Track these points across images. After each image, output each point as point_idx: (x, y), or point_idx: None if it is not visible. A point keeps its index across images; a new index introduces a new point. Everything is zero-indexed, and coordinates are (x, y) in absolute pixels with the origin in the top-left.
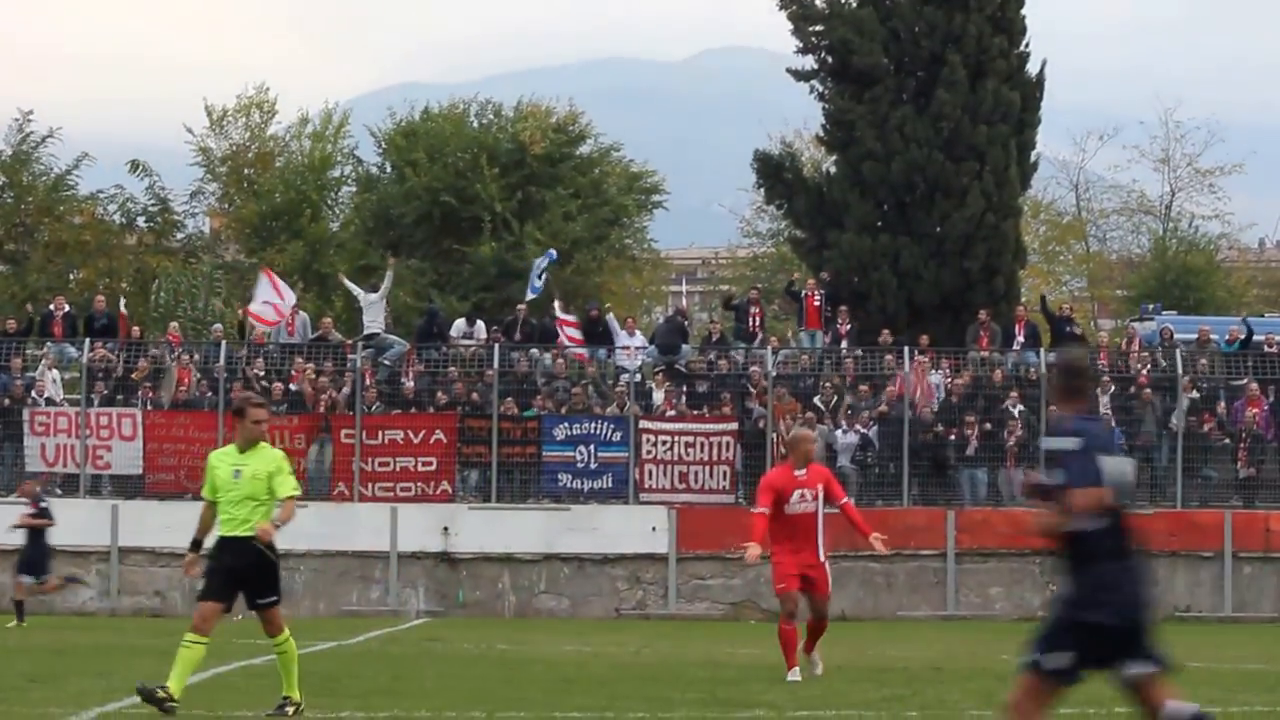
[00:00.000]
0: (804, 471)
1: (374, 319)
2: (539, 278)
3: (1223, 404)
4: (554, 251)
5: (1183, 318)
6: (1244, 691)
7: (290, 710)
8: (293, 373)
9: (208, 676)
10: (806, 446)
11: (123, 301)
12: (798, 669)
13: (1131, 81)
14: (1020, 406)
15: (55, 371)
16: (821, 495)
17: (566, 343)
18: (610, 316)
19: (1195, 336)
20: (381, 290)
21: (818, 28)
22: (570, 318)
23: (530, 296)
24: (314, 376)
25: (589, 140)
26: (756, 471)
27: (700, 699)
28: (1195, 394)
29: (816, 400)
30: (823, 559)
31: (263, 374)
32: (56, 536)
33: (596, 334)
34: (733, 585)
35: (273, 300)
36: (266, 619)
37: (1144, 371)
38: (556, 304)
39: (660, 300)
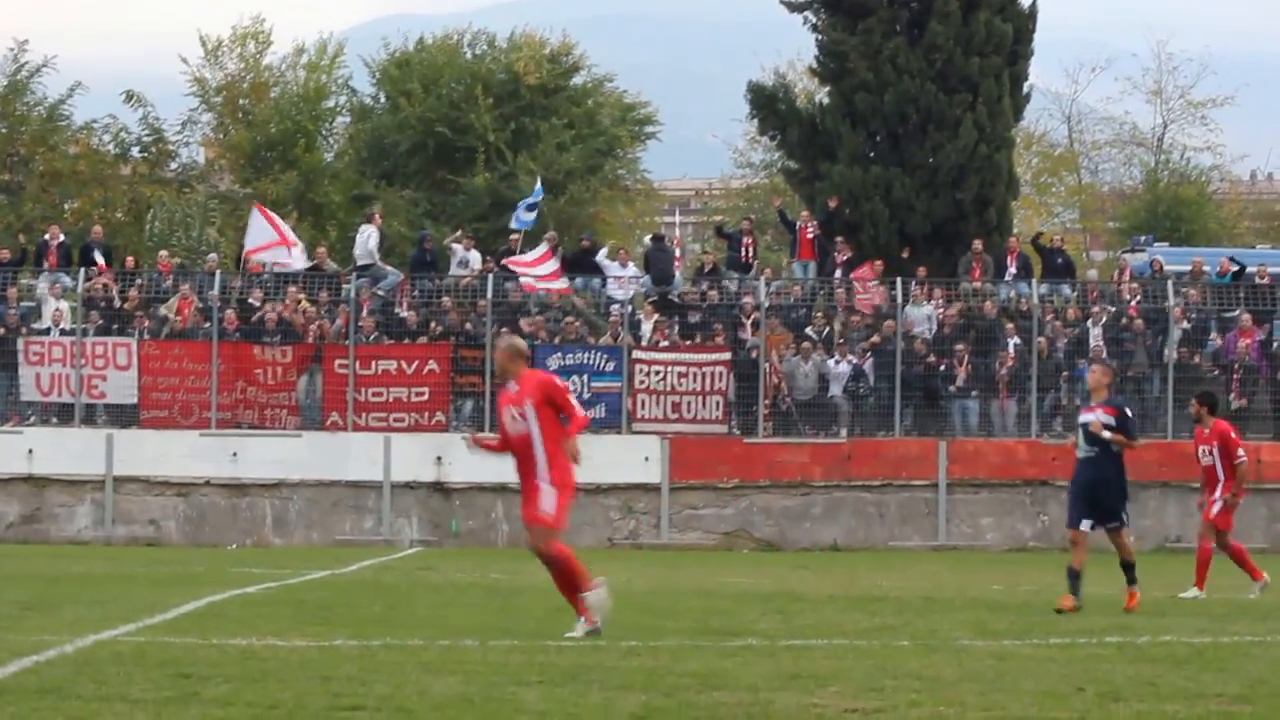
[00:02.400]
0: (515, 386)
1: (369, 250)
2: (529, 210)
3: (1215, 335)
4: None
5: (1174, 249)
6: (1235, 621)
7: None
8: (284, 302)
9: (201, 605)
10: (499, 356)
11: (98, 255)
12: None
13: (1124, 13)
14: (1015, 339)
15: (64, 302)
16: (533, 411)
17: (533, 281)
18: (602, 254)
19: (1187, 268)
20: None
21: None
22: (527, 258)
23: (515, 228)
24: (307, 307)
25: (583, 71)
26: (749, 401)
27: (692, 628)
28: (1186, 324)
29: (809, 330)
30: (542, 482)
31: (259, 304)
32: (52, 466)
33: (588, 265)
34: (725, 515)
35: (271, 240)
36: None
37: (1133, 303)
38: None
39: (654, 231)
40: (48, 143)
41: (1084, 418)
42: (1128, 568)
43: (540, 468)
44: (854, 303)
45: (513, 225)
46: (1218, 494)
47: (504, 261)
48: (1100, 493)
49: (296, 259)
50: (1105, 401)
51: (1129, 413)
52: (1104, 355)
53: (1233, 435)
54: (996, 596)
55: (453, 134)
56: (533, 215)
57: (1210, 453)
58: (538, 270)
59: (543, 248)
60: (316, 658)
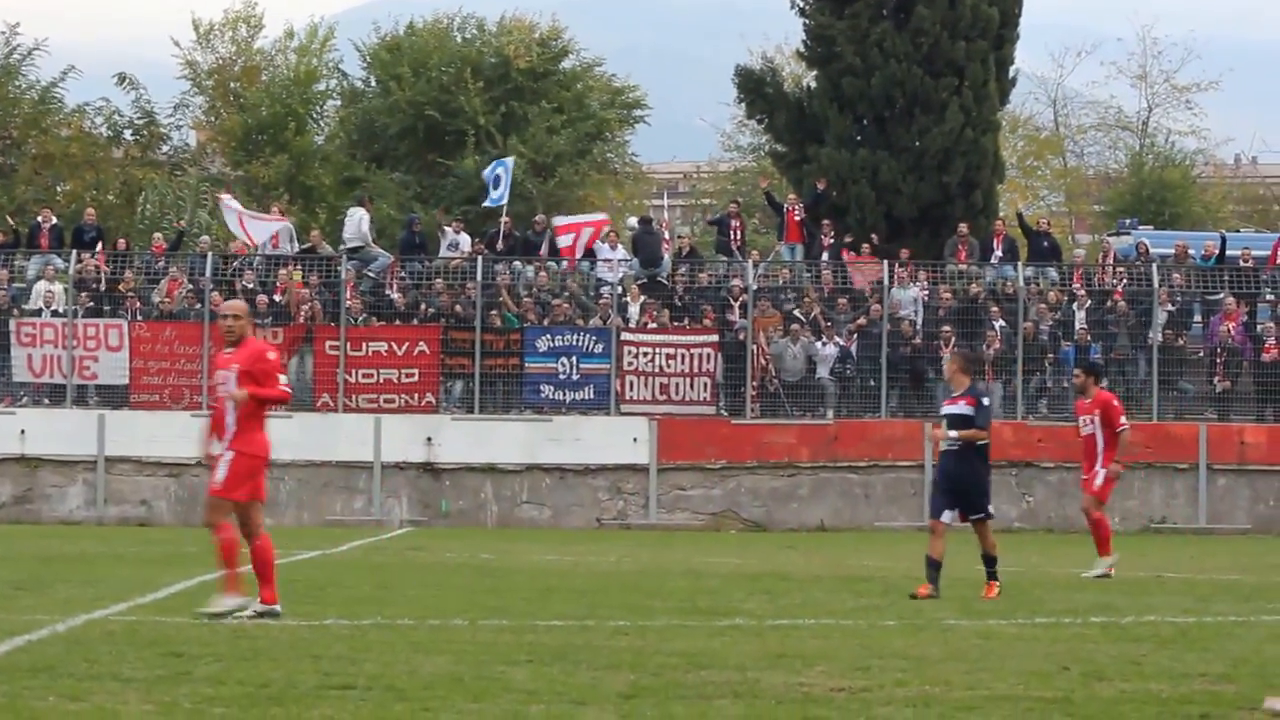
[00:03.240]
0: (231, 350)
1: (361, 232)
2: (495, 186)
3: (1199, 318)
4: (508, 161)
5: (1159, 232)
6: (1218, 601)
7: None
8: (277, 284)
9: (193, 584)
10: (227, 322)
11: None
12: (234, 596)
13: None
14: (1001, 321)
15: (58, 285)
16: (234, 377)
17: (562, 244)
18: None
19: (1171, 251)
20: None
21: None
22: (567, 224)
23: (493, 204)
24: (298, 282)
25: (572, 55)
26: (737, 383)
27: (680, 608)
28: (1170, 307)
29: (796, 312)
30: (225, 450)
31: (251, 285)
32: (45, 446)
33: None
34: (713, 496)
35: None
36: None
37: (1119, 286)
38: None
39: (642, 214)
40: (40, 126)
41: (946, 409)
42: (989, 560)
43: (228, 434)
44: (850, 281)
45: (491, 203)
46: (1099, 465)
47: (555, 223)
48: (965, 485)
49: (262, 233)
50: (966, 391)
51: (986, 402)
52: (954, 344)
53: (1115, 404)
54: (982, 576)
55: (443, 117)
56: (497, 192)
57: (1092, 422)
58: (579, 234)
59: (598, 217)
60: (307, 637)
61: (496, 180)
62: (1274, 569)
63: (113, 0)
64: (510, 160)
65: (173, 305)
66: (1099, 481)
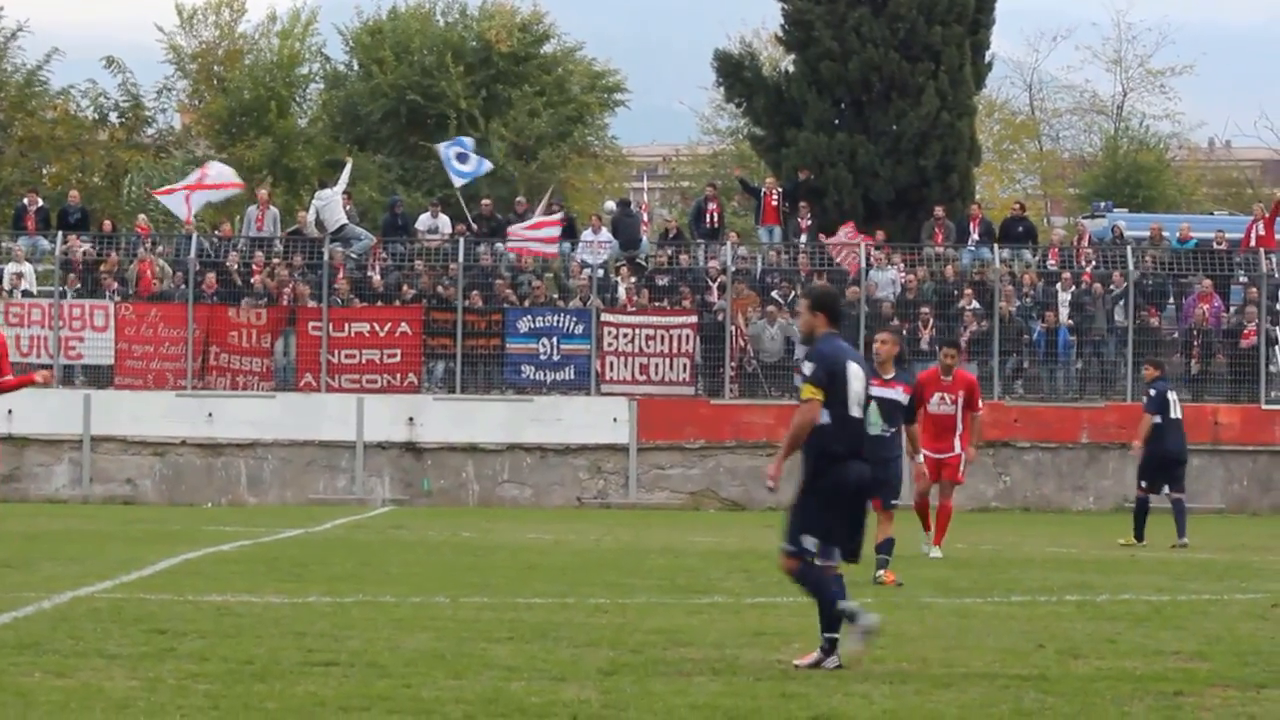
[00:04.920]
0: None
1: (336, 216)
2: (461, 161)
3: (1173, 300)
4: (465, 140)
5: (1133, 215)
6: (1193, 580)
7: None
8: (253, 266)
9: (177, 562)
10: None
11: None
12: None
13: None
14: (974, 303)
15: (28, 265)
16: None
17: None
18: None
19: (1146, 234)
20: (339, 186)
21: None
22: (545, 219)
23: (459, 183)
24: (273, 265)
25: (553, 39)
26: (716, 364)
27: (659, 586)
28: (1128, 284)
29: (774, 294)
30: None
31: (237, 267)
32: (31, 426)
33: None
34: (692, 475)
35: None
36: None
37: (1088, 270)
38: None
39: (621, 196)
40: (25, 108)
41: (875, 391)
42: (889, 546)
43: None
44: (840, 263)
45: (456, 182)
46: (957, 447)
47: (508, 231)
48: (888, 473)
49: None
50: (897, 377)
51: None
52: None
53: (978, 387)
54: (959, 555)
55: (425, 101)
56: (469, 166)
57: (952, 401)
58: (538, 234)
59: (555, 216)
60: (290, 614)
61: (462, 157)
62: (1247, 548)
63: None
64: (469, 140)
65: (145, 291)
66: (964, 469)
